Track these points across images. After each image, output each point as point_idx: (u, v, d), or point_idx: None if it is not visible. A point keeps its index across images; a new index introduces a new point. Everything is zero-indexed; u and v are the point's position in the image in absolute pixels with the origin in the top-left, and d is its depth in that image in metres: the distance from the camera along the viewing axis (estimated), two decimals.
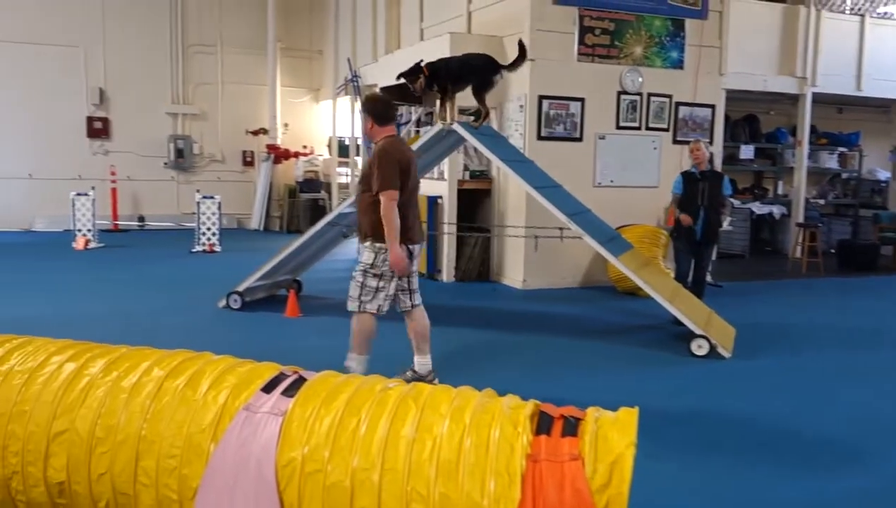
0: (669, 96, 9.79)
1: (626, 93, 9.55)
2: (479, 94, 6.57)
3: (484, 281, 9.74)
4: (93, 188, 12.56)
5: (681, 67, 9.80)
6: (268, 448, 2.51)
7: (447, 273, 9.71)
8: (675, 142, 9.82)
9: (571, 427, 2.37)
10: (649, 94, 9.67)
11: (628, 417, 2.41)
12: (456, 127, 6.78)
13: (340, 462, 2.44)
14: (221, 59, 15.66)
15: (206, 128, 15.72)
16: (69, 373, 2.90)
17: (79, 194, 12.26)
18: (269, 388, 2.70)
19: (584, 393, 3.52)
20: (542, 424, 2.41)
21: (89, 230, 12.21)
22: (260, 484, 2.49)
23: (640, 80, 9.56)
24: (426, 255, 9.77)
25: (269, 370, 2.87)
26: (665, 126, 9.83)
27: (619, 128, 9.61)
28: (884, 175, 14.11)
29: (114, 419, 2.73)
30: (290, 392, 2.68)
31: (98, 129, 14.90)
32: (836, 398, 5.32)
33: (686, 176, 7.39)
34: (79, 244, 12.02)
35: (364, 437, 2.46)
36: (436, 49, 9.75)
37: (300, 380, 2.75)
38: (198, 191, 12.92)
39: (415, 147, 7.13)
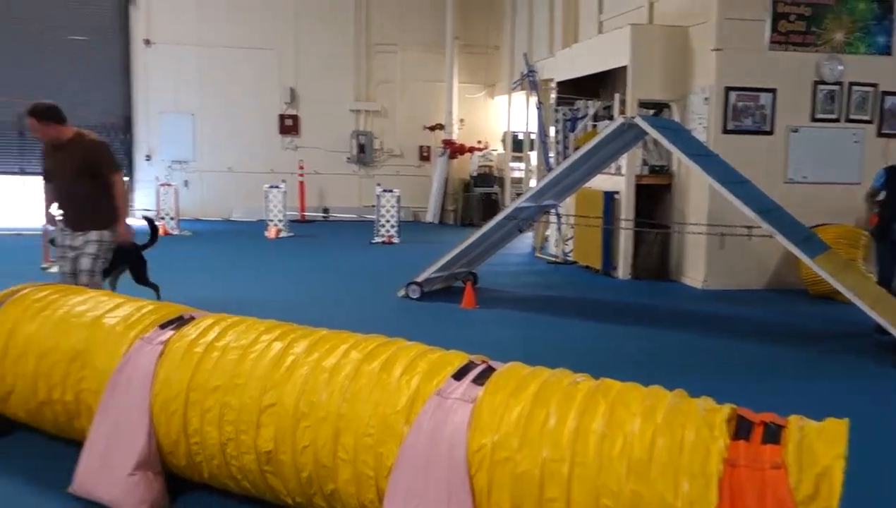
0: (874, 85, 9.04)
1: (823, 82, 8.92)
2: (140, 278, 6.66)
3: (661, 279, 9.47)
4: (283, 181, 13.44)
5: (888, 53, 9.02)
6: (459, 433, 2.59)
7: (623, 270, 9.53)
8: (881, 134, 9.07)
9: (773, 435, 2.27)
10: (850, 84, 8.98)
11: (837, 428, 2.27)
12: (637, 120, 6.65)
13: (530, 452, 2.48)
14: (402, 58, 16.21)
15: (386, 124, 16.35)
16: (277, 352, 3.13)
17: (271, 187, 13.15)
18: (459, 376, 2.79)
19: (776, 400, 3.35)
20: (741, 429, 2.32)
21: (280, 220, 13.07)
22: (451, 468, 2.57)
23: (840, 68, 8.89)
24: (602, 251, 9.65)
25: (459, 358, 2.96)
26: (868, 117, 9.09)
27: (814, 120, 8.99)
28: None
29: (316, 396, 2.92)
30: (479, 380, 2.75)
31: (289, 126, 15.89)
32: None
33: (890, 170, 6.80)
34: (270, 233, 12.89)
35: (554, 429, 2.48)
36: (615, 42, 9.59)
37: (489, 370, 2.82)
38: (378, 184, 13.48)
39: (592, 143, 7.07)
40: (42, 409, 3.62)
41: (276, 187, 13.11)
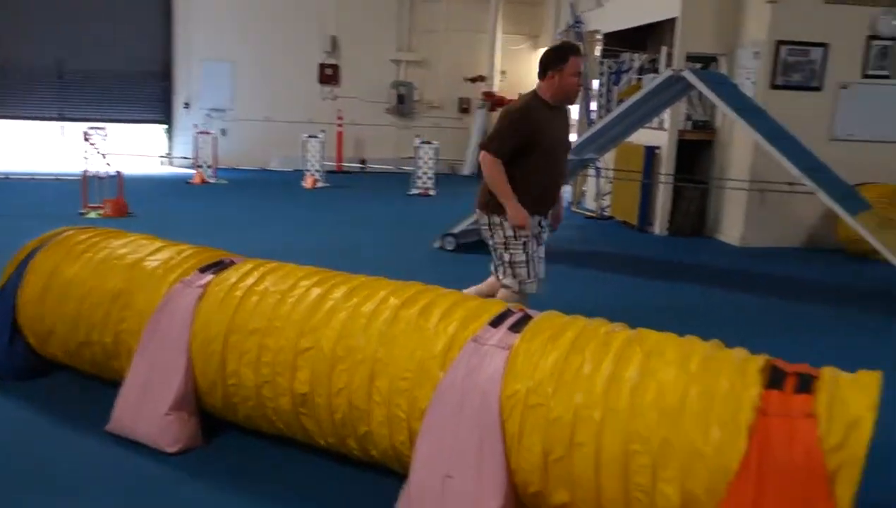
0: None
1: (877, 38, 8.62)
2: None
3: (698, 236, 9.37)
4: (322, 131, 13.45)
5: None
6: (493, 379, 2.63)
7: (660, 226, 9.45)
8: None
9: (806, 385, 2.27)
10: None
11: (869, 380, 2.27)
12: (685, 73, 6.52)
13: (563, 398, 2.50)
14: (446, 7, 15.98)
15: (426, 75, 16.20)
16: (315, 297, 3.17)
17: (309, 137, 13.17)
18: (496, 323, 2.81)
19: (809, 354, 3.35)
20: (774, 379, 2.33)
21: (317, 170, 13.12)
22: (483, 413, 2.61)
23: None
24: (639, 207, 9.56)
25: (497, 306, 2.98)
26: None
27: (865, 76, 8.73)
28: None
29: (353, 340, 2.97)
30: (516, 328, 2.77)
31: (328, 76, 15.82)
32: None
33: None
34: (307, 183, 12.96)
35: (588, 376, 2.51)
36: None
37: (526, 317, 2.83)
38: (417, 136, 13.43)
39: (639, 95, 6.96)
40: (81, 350, 3.73)
41: (315, 137, 13.13)
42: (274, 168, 15.53)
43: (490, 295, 4.43)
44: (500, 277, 4.39)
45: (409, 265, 7.13)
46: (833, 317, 5.95)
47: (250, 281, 3.37)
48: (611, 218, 10.48)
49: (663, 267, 7.70)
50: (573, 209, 11.51)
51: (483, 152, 4.20)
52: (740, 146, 8.80)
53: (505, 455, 2.58)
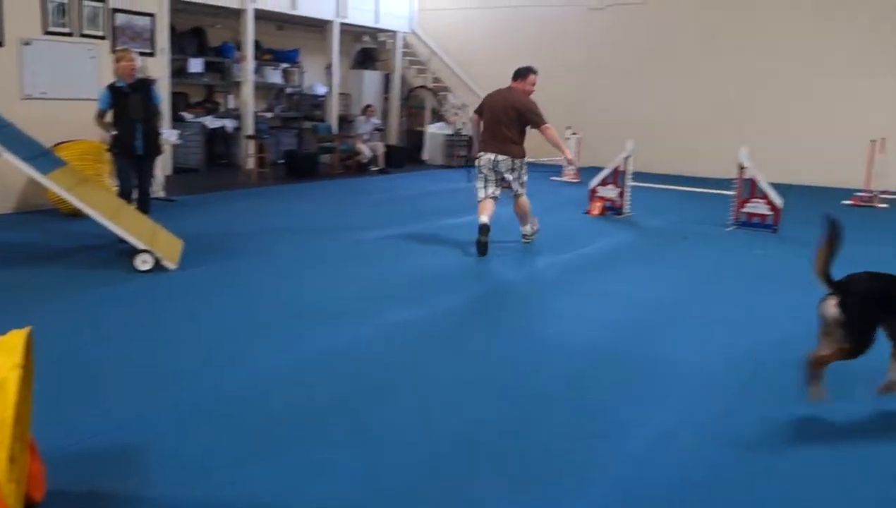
0: (104, 1, 9.19)
1: None
2: None
3: None
4: None
5: None
6: None
7: None
8: (114, 51, 9.31)
9: None
10: None
11: (15, 339, 2.27)
12: None
13: None
14: None
15: None
16: None
17: None
18: None
19: (19, 321, 3.20)
20: None
21: None
22: None
23: None
24: None
25: None
26: (101, 33, 9.24)
27: (48, 33, 8.72)
28: (321, 90, 15.52)
29: None
30: None
31: None
32: (268, 288, 5.80)
33: (113, 89, 7.05)
34: None
35: None
36: None
37: None
38: None
39: None
40: None
41: None
42: None
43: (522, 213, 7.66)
44: (521, 191, 7.47)
45: None
46: (47, 278, 5.89)
47: None
48: None
49: None
50: None
51: (545, 126, 7.26)
52: None
53: None
